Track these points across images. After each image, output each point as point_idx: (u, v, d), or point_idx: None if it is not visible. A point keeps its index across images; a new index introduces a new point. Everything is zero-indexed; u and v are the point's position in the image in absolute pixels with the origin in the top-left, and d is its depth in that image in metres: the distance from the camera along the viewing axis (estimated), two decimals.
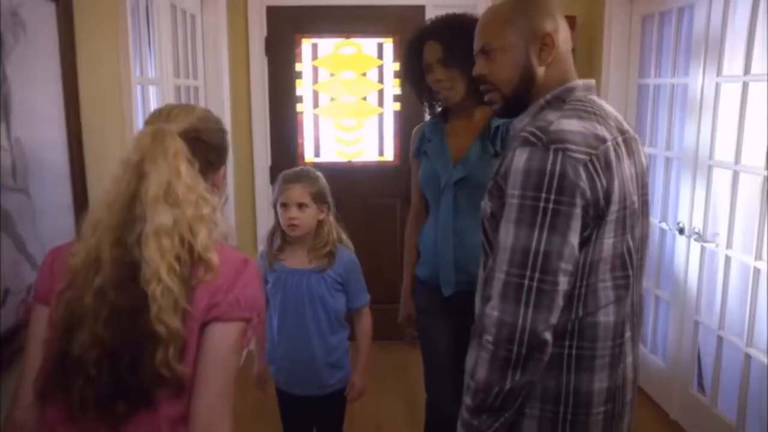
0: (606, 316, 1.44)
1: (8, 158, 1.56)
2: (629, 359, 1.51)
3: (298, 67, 4.32)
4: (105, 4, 2.20)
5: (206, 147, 1.39)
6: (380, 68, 4.35)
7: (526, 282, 1.35)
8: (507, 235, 1.37)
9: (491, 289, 1.40)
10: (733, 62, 3.01)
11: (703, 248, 3.24)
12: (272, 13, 4.21)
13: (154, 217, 1.24)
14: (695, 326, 3.31)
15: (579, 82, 1.52)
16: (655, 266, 3.74)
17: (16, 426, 1.33)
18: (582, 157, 1.34)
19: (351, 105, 4.40)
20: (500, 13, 1.56)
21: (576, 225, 1.35)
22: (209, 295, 1.27)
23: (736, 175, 2.98)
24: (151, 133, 1.30)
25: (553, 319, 1.36)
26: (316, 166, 4.32)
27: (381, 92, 4.42)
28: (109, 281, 1.24)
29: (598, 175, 1.35)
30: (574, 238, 1.35)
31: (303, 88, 4.36)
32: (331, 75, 4.38)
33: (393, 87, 4.36)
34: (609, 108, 1.53)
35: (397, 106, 4.40)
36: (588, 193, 1.34)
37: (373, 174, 4.44)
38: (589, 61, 4.25)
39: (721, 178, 3.11)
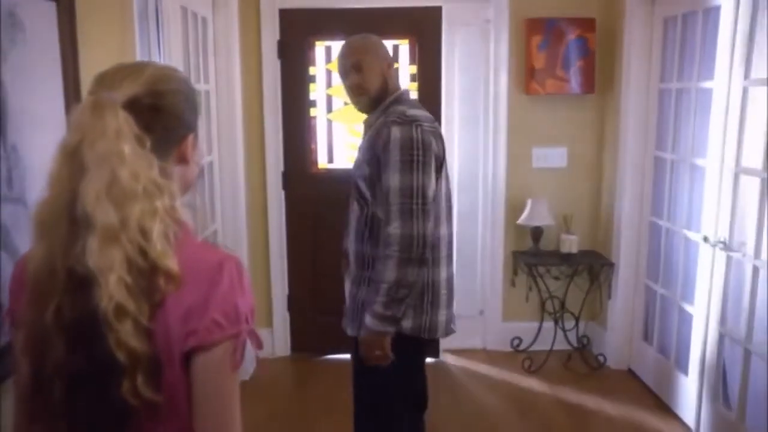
0: (442, 230, 2.33)
1: (4, 166, 1.49)
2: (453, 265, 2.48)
3: (311, 70, 4.24)
4: (110, 4, 2.13)
5: (164, 114, 1.15)
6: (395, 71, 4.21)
7: (415, 206, 2.17)
8: (394, 181, 2.16)
9: (391, 215, 2.18)
10: (762, 65, 2.90)
11: (729, 258, 3.12)
12: (285, 15, 4.14)
13: (97, 219, 1.04)
14: (720, 339, 3.20)
15: (406, 89, 2.52)
16: (680, 276, 3.63)
17: None
18: (429, 129, 2.25)
19: None
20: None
21: (432, 170, 2.22)
22: (181, 318, 1.08)
23: (764, 183, 2.86)
24: (90, 106, 1.09)
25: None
26: (330, 172, 4.28)
27: None
28: (65, 299, 1.07)
29: (437, 141, 2.28)
30: (433, 178, 2.23)
31: (317, 92, 4.27)
32: None
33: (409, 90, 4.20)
34: None
35: None
36: (435, 150, 2.25)
37: None
38: (607, 65, 4.15)
39: (749, 186, 3.00)
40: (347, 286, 2.49)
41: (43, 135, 1.68)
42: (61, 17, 1.72)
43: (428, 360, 2.82)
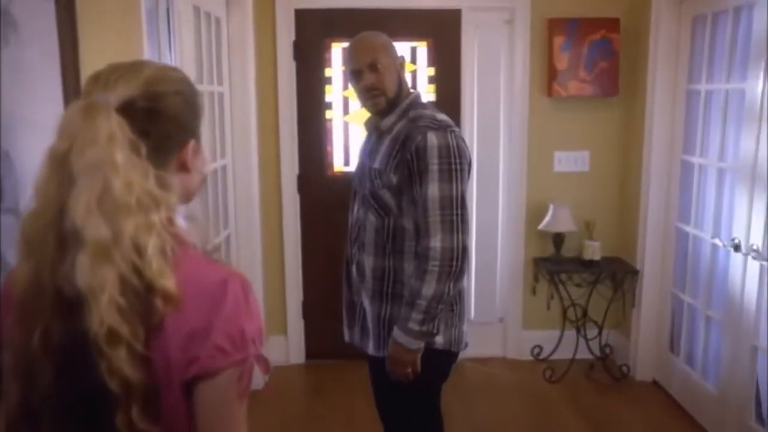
0: (470, 240, 2.16)
1: None
2: None
3: (327, 72, 4.16)
4: (115, 4, 2.04)
5: (162, 118, 1.06)
6: (413, 73, 4.14)
7: (455, 217, 2.06)
8: (433, 190, 2.04)
9: (431, 228, 2.06)
10: None
11: (762, 266, 2.98)
12: (301, 16, 4.06)
13: (87, 233, 0.94)
14: (753, 351, 3.06)
15: (418, 91, 2.34)
16: (706, 284, 3.50)
17: None
18: (460, 134, 2.14)
19: None
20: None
21: (467, 178, 2.12)
22: (182, 343, 0.99)
23: None
24: (81, 109, 0.99)
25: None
26: (346, 175, 4.19)
27: None
28: (53, 321, 0.98)
29: (465, 145, 2.16)
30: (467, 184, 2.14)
31: (332, 94, 4.20)
32: None
33: (426, 93, 4.13)
34: None
35: None
36: (468, 157, 2.14)
37: None
38: (632, 66, 4.03)
39: None
40: (366, 304, 2.34)
41: (39, 142, 1.59)
42: (60, 17, 1.63)
43: None
